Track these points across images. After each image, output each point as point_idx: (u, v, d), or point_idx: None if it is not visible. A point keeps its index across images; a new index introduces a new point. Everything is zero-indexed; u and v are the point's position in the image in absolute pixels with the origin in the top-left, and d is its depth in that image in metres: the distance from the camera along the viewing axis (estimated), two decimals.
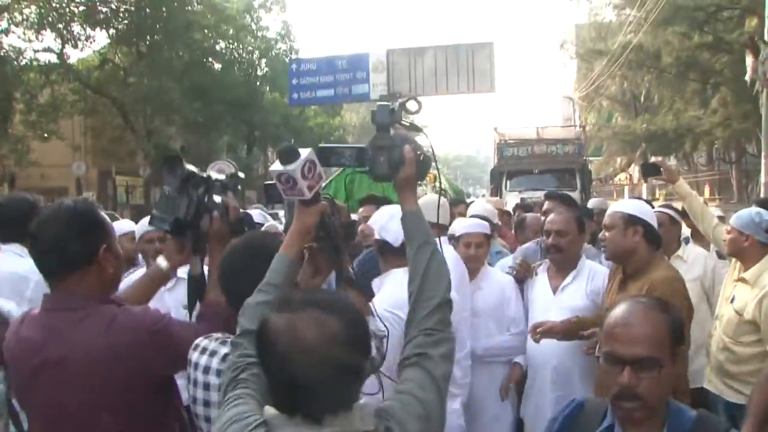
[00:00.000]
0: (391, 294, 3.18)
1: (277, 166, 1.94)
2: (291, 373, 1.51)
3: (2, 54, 23.62)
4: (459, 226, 4.54)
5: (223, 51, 33.32)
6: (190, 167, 2.53)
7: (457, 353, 3.54)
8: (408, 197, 2.08)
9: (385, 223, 3.33)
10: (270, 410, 1.59)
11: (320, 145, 2.12)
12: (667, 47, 23.34)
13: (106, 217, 2.34)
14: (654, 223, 3.53)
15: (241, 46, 34.07)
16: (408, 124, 2.12)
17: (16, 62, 24.22)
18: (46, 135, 25.15)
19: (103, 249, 2.20)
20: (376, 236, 3.42)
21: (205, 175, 2.59)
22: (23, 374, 2.18)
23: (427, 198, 4.91)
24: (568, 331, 3.68)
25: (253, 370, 1.74)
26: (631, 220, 3.48)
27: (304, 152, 1.94)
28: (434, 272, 1.96)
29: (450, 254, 4.28)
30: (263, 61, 35.11)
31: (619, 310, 1.90)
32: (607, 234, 3.56)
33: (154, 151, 28.53)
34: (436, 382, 1.78)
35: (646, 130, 27.29)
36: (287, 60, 30.48)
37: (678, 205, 5.27)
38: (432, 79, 21.80)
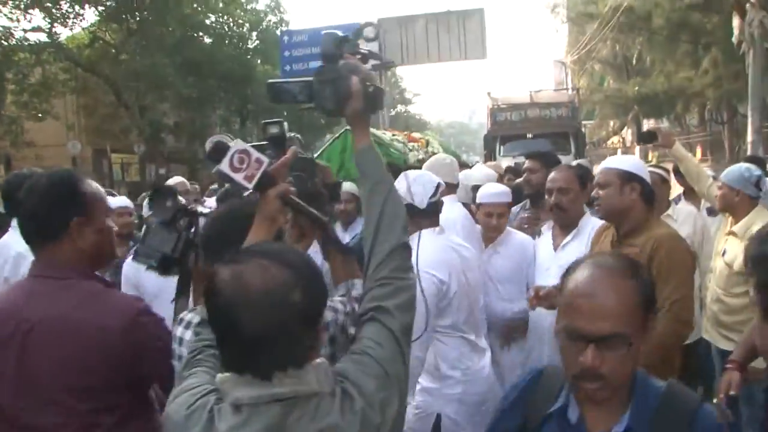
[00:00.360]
0: (423, 255, 3.15)
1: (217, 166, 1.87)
2: (237, 326, 1.43)
3: None
4: (481, 194, 4.50)
5: (214, 25, 33.07)
6: (180, 199, 2.38)
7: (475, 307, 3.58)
8: (359, 133, 1.93)
9: (409, 187, 3.34)
10: (221, 376, 1.53)
11: (269, 80, 2.02)
12: (657, 9, 23.31)
13: (91, 190, 2.22)
14: (649, 180, 3.38)
15: (231, 20, 33.78)
16: (366, 52, 1.98)
17: (6, 42, 24.02)
18: (40, 115, 25.05)
19: (77, 222, 2.13)
20: None
21: (189, 207, 2.43)
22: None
23: (435, 159, 4.97)
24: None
25: (210, 351, 1.69)
26: (628, 177, 3.28)
27: (233, 144, 1.84)
28: (389, 214, 1.82)
29: (458, 212, 4.38)
30: (254, 34, 34.86)
31: (580, 276, 1.62)
32: (601, 192, 3.33)
33: (149, 128, 28.50)
34: (393, 335, 1.66)
35: (637, 92, 27.36)
36: (278, 32, 30.32)
37: (668, 165, 5.49)
38: (423, 47, 21.79)
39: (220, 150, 1.82)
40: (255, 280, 1.44)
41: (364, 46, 1.98)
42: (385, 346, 1.63)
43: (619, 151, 36.04)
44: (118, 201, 4.95)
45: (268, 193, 1.86)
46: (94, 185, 2.26)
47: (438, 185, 3.47)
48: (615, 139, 41.94)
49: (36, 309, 2.07)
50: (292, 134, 2.19)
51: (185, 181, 6.50)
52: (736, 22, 15.90)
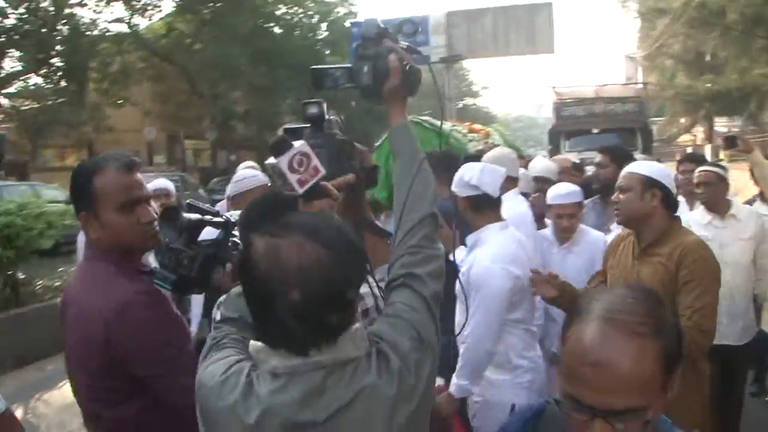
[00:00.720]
0: (493, 248, 3.30)
1: (271, 159, 1.83)
2: (271, 302, 1.41)
3: (76, 26, 24.51)
4: (551, 195, 4.56)
5: (284, 16, 33.65)
6: (195, 215, 2.21)
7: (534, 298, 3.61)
8: (396, 111, 1.94)
9: (479, 176, 3.38)
10: (255, 344, 1.51)
11: (312, 66, 2.01)
12: (732, 4, 22.73)
13: (103, 183, 2.13)
14: (672, 187, 3.27)
15: (301, 11, 34.33)
16: (405, 46, 1.98)
17: (90, 33, 25.14)
18: (119, 102, 26.15)
19: (84, 216, 2.16)
20: (468, 192, 3.39)
21: (223, 218, 2.24)
22: (63, 317, 2.25)
23: (498, 151, 5.02)
24: (556, 298, 3.32)
25: (234, 336, 1.66)
26: (649, 183, 3.19)
27: (297, 144, 1.81)
28: (419, 186, 1.82)
29: (525, 206, 4.45)
30: (323, 25, 35.32)
31: (583, 333, 1.27)
32: (621, 196, 3.26)
33: (220, 115, 29.30)
34: (426, 302, 1.64)
35: (709, 90, 26.72)
36: (347, 24, 30.73)
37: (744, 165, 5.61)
38: (491, 41, 21.88)
39: (284, 145, 1.80)
40: (291, 257, 1.40)
41: (402, 41, 1.99)
42: (418, 311, 1.62)
43: (689, 149, 35.30)
44: (156, 183, 4.91)
45: (313, 203, 1.82)
46: (115, 178, 2.15)
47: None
48: (686, 136, 40.97)
49: (71, 288, 2.27)
50: (332, 117, 2.10)
51: (255, 164, 6.80)
52: None
